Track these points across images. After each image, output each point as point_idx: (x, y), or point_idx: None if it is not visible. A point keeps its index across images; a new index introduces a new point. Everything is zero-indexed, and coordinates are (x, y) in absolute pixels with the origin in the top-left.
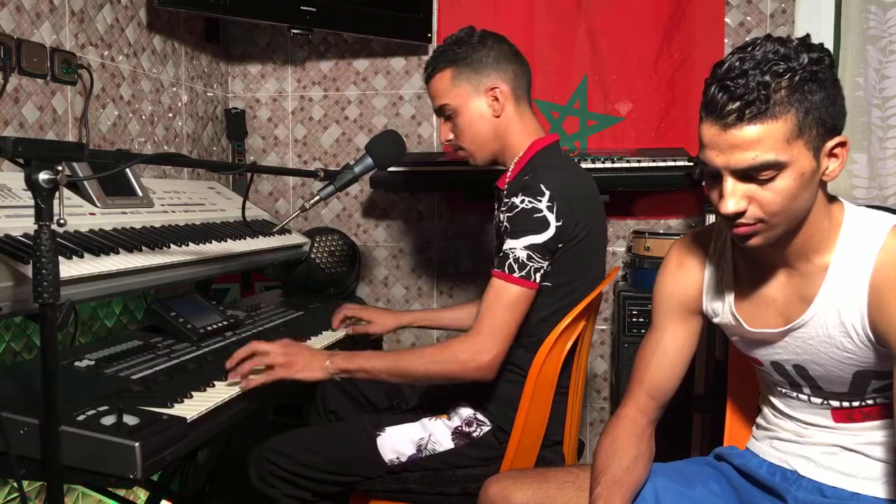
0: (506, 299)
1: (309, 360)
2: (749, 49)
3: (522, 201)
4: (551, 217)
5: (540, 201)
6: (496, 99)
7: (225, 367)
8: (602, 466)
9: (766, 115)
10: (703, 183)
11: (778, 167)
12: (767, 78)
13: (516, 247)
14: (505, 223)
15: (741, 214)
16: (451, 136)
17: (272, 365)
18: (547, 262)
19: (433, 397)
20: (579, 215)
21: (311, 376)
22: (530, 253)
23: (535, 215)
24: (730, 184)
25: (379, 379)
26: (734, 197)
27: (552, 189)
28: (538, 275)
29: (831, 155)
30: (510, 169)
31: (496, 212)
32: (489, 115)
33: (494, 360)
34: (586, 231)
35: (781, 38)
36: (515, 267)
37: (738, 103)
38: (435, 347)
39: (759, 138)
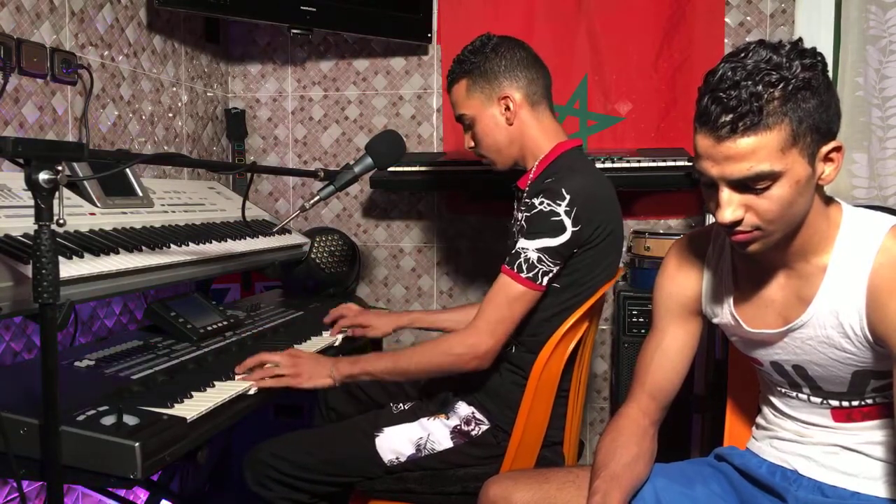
0: (508, 296)
1: (315, 368)
2: (741, 57)
3: (542, 203)
4: (568, 222)
5: (559, 205)
6: (508, 108)
7: (235, 370)
8: (602, 462)
9: (760, 126)
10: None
11: (773, 177)
12: (760, 88)
13: (528, 247)
14: (522, 222)
15: (739, 223)
16: (472, 143)
17: (281, 374)
18: (558, 267)
19: (432, 395)
20: (600, 219)
21: (319, 384)
22: (541, 255)
23: (553, 218)
24: (726, 194)
25: (382, 380)
26: (731, 206)
27: (573, 193)
28: (546, 278)
29: (827, 160)
30: (533, 169)
31: (515, 211)
32: (503, 124)
33: (489, 352)
34: (605, 235)
35: (773, 44)
36: (525, 267)
37: (730, 115)
38: (431, 343)
39: (753, 150)
